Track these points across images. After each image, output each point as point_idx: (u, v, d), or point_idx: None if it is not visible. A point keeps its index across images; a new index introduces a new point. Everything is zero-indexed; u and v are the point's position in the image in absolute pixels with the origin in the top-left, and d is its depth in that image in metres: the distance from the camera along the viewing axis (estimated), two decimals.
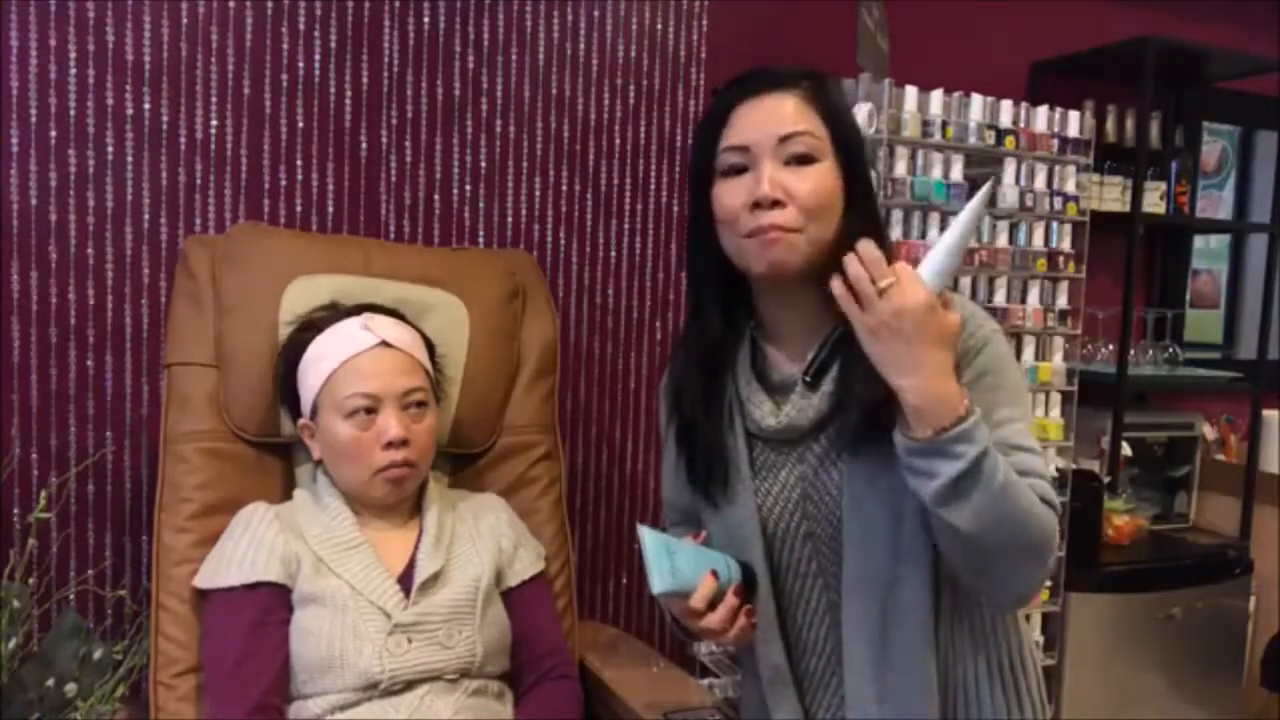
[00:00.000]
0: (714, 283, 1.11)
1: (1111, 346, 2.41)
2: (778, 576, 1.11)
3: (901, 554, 1.03)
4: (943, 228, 1.83)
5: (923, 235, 1.81)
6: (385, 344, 1.34)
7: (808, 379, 1.06)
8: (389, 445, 1.31)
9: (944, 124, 1.84)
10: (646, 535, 1.04)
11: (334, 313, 1.40)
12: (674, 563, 1.03)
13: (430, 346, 1.45)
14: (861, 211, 1.06)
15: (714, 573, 1.04)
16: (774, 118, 1.02)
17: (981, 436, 0.93)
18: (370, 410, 1.31)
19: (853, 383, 1.02)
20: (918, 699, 1.04)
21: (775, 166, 1.01)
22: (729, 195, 1.03)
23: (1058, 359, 2.04)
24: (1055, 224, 2.02)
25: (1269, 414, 2.57)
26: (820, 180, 1.02)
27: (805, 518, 1.09)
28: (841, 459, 1.05)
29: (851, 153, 1.06)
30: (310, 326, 1.40)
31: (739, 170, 1.03)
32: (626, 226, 2.04)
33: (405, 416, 1.33)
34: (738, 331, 1.13)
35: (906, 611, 1.04)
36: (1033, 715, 1.11)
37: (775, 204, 1.00)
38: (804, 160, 1.02)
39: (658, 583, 1.01)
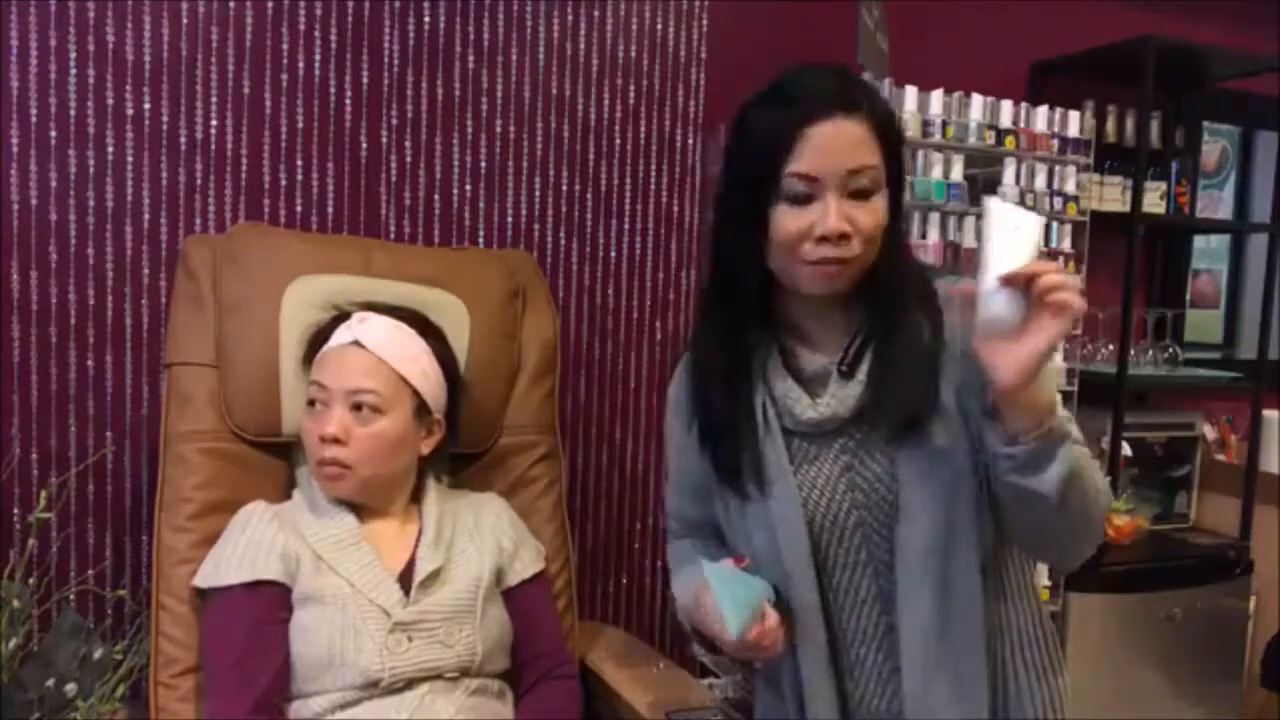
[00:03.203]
0: (752, 291, 1.10)
1: (1111, 346, 2.41)
2: (823, 568, 1.11)
3: (954, 538, 1.06)
4: (943, 228, 1.83)
5: (923, 235, 1.81)
6: (357, 343, 1.33)
7: (844, 369, 1.08)
8: (322, 440, 1.31)
9: (944, 124, 1.85)
10: (713, 576, 1.01)
11: (366, 308, 1.40)
12: (743, 600, 1.01)
13: (446, 360, 1.43)
14: (895, 226, 1.08)
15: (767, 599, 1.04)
16: (843, 150, 1.01)
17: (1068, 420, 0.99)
18: (322, 403, 1.32)
19: (890, 373, 1.06)
20: (974, 673, 1.07)
21: (840, 199, 1.01)
22: (793, 222, 1.01)
23: (1058, 359, 2.04)
24: (1055, 224, 2.02)
25: (1269, 414, 2.57)
26: (879, 212, 1.03)
27: (855, 506, 1.09)
28: (885, 446, 1.07)
29: (900, 178, 1.07)
30: (342, 317, 1.40)
31: (804, 198, 1.01)
32: (626, 226, 2.04)
33: (349, 416, 1.31)
34: (765, 332, 1.13)
35: (961, 593, 1.06)
36: (1061, 695, 1.15)
37: (842, 237, 1.01)
38: (866, 193, 1.02)
39: (736, 627, 0.99)
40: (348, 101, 1.81)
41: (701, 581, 1.06)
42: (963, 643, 1.06)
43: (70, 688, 1.40)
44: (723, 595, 1.00)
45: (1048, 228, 2.02)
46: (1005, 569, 1.12)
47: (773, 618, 1.04)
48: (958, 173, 1.86)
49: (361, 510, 1.35)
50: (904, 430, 1.05)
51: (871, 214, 1.02)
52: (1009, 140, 1.92)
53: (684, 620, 1.16)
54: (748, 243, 1.06)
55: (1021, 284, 0.92)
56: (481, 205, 1.93)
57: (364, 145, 1.83)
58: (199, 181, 1.73)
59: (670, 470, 1.25)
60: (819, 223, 1.00)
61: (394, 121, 1.85)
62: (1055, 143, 1.97)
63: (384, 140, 1.85)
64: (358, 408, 1.31)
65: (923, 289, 1.10)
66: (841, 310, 1.10)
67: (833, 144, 1.00)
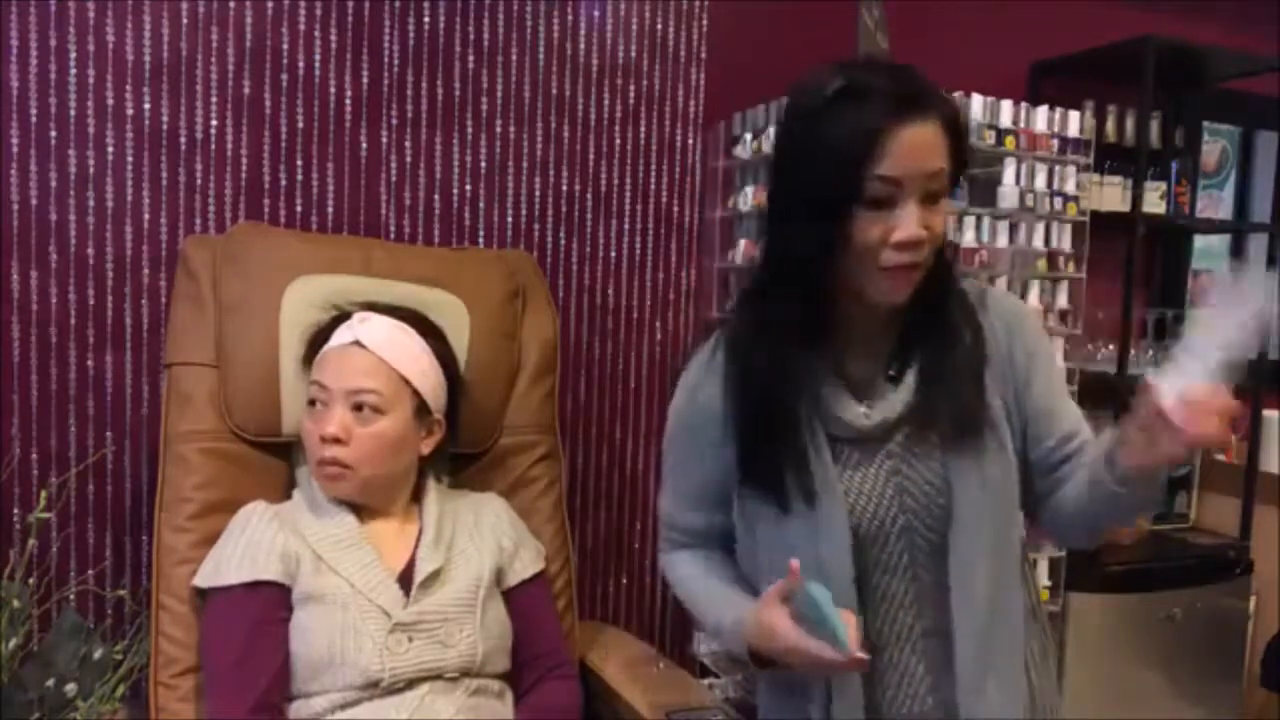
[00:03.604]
0: (812, 295, 1.06)
1: (1111, 346, 2.41)
2: (861, 573, 1.08)
3: (1004, 541, 1.07)
4: None
5: None
6: (358, 343, 1.33)
7: (892, 375, 1.08)
8: (323, 440, 1.30)
9: None
10: (819, 593, 0.96)
11: (366, 308, 1.40)
12: (830, 613, 0.96)
13: (446, 360, 1.43)
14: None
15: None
16: (924, 153, 0.99)
17: None
18: (323, 403, 1.32)
19: (938, 377, 1.06)
20: (1018, 669, 1.09)
21: (919, 204, 0.99)
22: (874, 228, 0.99)
23: (1058, 359, 2.04)
24: (1055, 224, 2.02)
25: (1269, 414, 2.57)
26: (946, 216, 1.03)
27: (902, 511, 1.08)
28: (935, 451, 1.07)
29: (957, 180, 1.06)
30: (342, 317, 1.39)
31: (884, 202, 0.99)
32: (626, 226, 2.04)
33: (350, 417, 1.31)
34: (811, 337, 1.10)
35: (1008, 594, 1.08)
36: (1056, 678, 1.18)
37: (919, 243, 1.00)
38: (936, 197, 1.01)
39: (848, 643, 0.95)
40: (348, 101, 1.81)
41: (764, 605, 1.02)
42: (1010, 641, 1.08)
43: (70, 688, 1.40)
44: (833, 615, 0.95)
45: (1048, 228, 2.02)
46: (1022, 560, 1.13)
47: (853, 619, 1.00)
48: None
49: (362, 510, 1.35)
50: (959, 435, 1.05)
51: (941, 219, 1.02)
52: (1009, 140, 1.92)
53: (725, 640, 1.11)
54: (818, 245, 1.01)
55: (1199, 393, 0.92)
56: (481, 205, 1.93)
57: (364, 145, 1.83)
58: (199, 181, 1.73)
59: (671, 477, 1.22)
60: (900, 228, 0.98)
61: (394, 121, 1.85)
62: (1055, 143, 1.97)
63: (384, 140, 1.85)
64: (358, 408, 1.31)
65: (960, 293, 1.10)
66: (887, 312, 1.08)
67: (915, 147, 0.98)
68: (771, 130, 1.83)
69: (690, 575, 1.21)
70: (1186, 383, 0.92)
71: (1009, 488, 1.08)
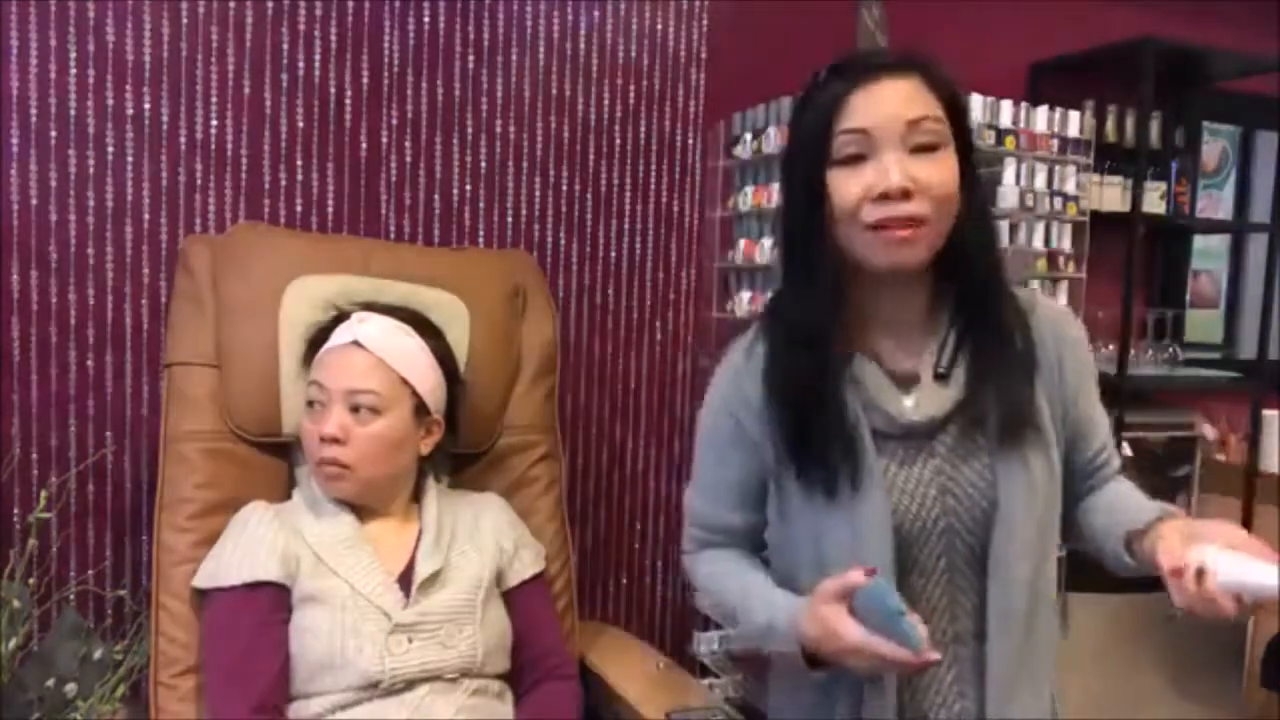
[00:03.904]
0: (827, 276, 1.03)
1: (1112, 346, 2.40)
2: (900, 574, 1.05)
3: (1045, 546, 1.06)
4: None
5: None
6: (356, 343, 1.33)
7: (941, 371, 1.05)
8: (322, 440, 1.30)
9: None
10: (888, 591, 0.94)
11: (366, 308, 1.40)
12: (901, 616, 0.93)
13: (445, 360, 1.43)
14: (975, 202, 1.03)
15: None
16: (899, 101, 0.96)
17: None
18: (321, 403, 1.32)
19: (988, 377, 1.04)
20: (1047, 675, 1.09)
21: (901, 154, 0.96)
22: (849, 184, 0.97)
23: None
24: (1055, 224, 2.02)
25: (1269, 414, 2.57)
26: (949, 169, 0.98)
27: (945, 512, 1.05)
28: (981, 452, 1.06)
29: (968, 141, 1.02)
30: (341, 317, 1.39)
31: (858, 159, 0.97)
32: (626, 226, 2.04)
33: (348, 417, 1.31)
34: (850, 330, 1.07)
35: (1044, 599, 1.07)
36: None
37: (905, 194, 0.96)
38: (929, 149, 0.97)
39: (919, 644, 0.92)
40: (348, 101, 1.81)
41: (820, 603, 0.98)
42: (1044, 648, 1.07)
43: (70, 688, 1.40)
44: (900, 617, 0.93)
45: (1048, 228, 2.02)
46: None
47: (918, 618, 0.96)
48: None
49: (361, 510, 1.35)
50: (1007, 436, 1.03)
51: (941, 169, 0.97)
52: (1009, 140, 1.92)
53: (772, 640, 1.06)
54: (809, 216, 1.00)
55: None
56: (481, 205, 1.93)
57: (364, 145, 1.83)
58: (199, 181, 1.73)
59: (703, 474, 1.17)
60: (878, 180, 0.96)
61: (394, 121, 1.85)
62: (1055, 143, 1.97)
63: (384, 140, 1.85)
64: (356, 408, 1.31)
65: (1011, 296, 1.08)
66: (925, 299, 1.06)
67: (885, 97, 0.96)
68: (772, 130, 1.83)
69: (725, 572, 1.16)
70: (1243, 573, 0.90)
71: (1053, 493, 1.07)
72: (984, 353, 1.04)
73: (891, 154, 0.96)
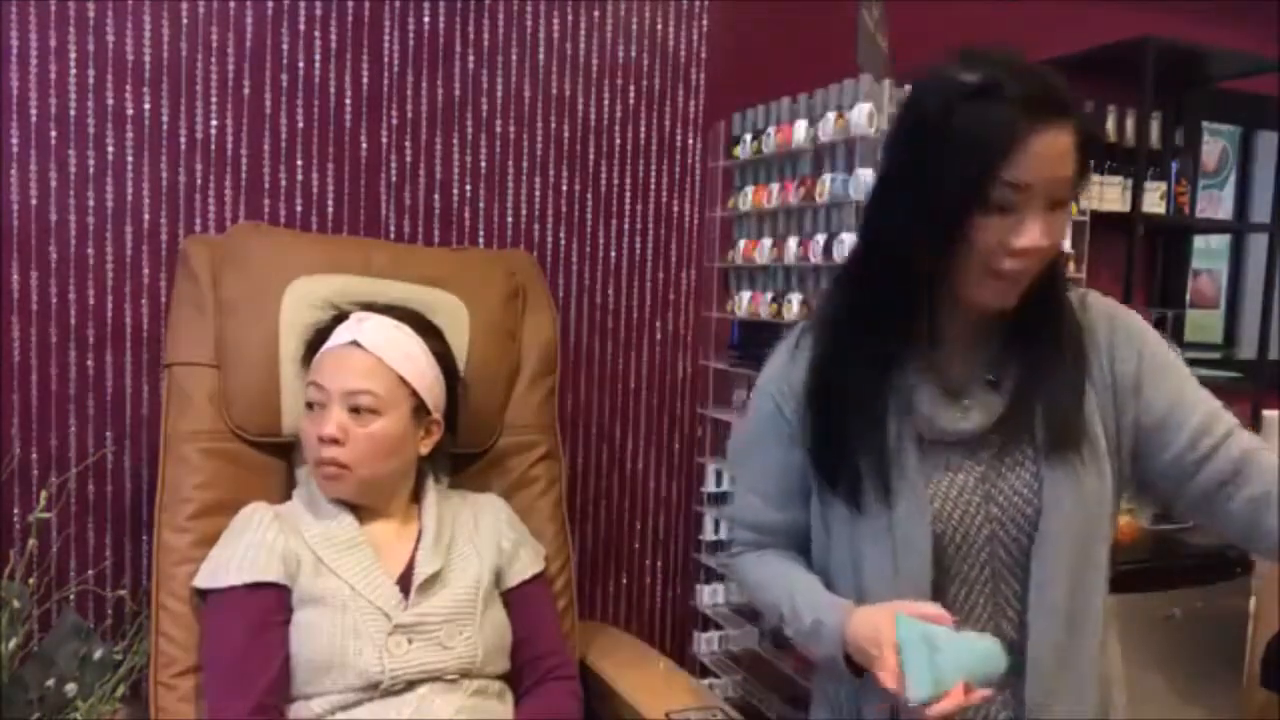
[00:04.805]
0: (915, 293, 1.03)
1: None
2: (939, 583, 1.05)
3: (1088, 556, 1.06)
4: None
5: None
6: (355, 344, 1.33)
7: (992, 379, 1.05)
8: (321, 440, 1.30)
9: None
10: (904, 627, 0.95)
11: (366, 308, 1.40)
12: (935, 662, 0.93)
13: (445, 360, 1.43)
14: None
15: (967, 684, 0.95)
16: (1057, 160, 0.94)
17: None
18: (320, 404, 1.32)
19: (1037, 386, 1.03)
20: (1091, 682, 1.08)
21: (1045, 213, 0.95)
22: (995, 233, 0.95)
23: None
24: None
25: (1269, 414, 2.56)
26: (1065, 224, 1.00)
27: (989, 520, 1.05)
28: (1028, 461, 1.05)
29: (1081, 188, 1.02)
30: (341, 317, 1.40)
31: (1010, 207, 0.94)
32: (626, 226, 2.04)
33: (347, 417, 1.31)
34: (905, 335, 1.06)
35: (1088, 612, 1.06)
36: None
37: (1039, 252, 0.96)
38: (1060, 205, 0.97)
39: (914, 690, 0.92)
40: (348, 101, 1.81)
41: (853, 619, 1.00)
42: (1085, 656, 1.06)
43: (70, 688, 1.40)
44: (908, 654, 0.93)
45: None
46: (1107, 572, 1.11)
47: (957, 695, 0.93)
48: None
49: (361, 511, 1.35)
50: (1056, 446, 1.03)
51: (1062, 225, 0.98)
52: None
53: (819, 641, 1.05)
54: (931, 245, 0.97)
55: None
56: (481, 205, 1.93)
57: (364, 145, 1.83)
58: (199, 181, 1.73)
59: (750, 474, 1.17)
60: (1024, 236, 0.95)
61: (394, 121, 1.85)
62: None
63: (384, 140, 1.85)
64: (355, 409, 1.31)
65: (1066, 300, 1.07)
66: (985, 317, 1.05)
67: (1049, 153, 0.94)
68: (772, 130, 1.83)
69: (772, 575, 1.14)
70: None
71: (1101, 502, 1.06)
72: (1035, 361, 1.04)
73: (1039, 213, 0.95)
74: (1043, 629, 1.04)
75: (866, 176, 1.60)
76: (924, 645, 0.94)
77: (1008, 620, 1.07)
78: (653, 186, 2.05)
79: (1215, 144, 2.81)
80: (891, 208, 1.02)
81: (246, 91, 1.75)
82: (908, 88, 1.82)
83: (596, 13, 1.97)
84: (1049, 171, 0.94)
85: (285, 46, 1.77)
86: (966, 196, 0.94)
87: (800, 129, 1.74)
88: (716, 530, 2.00)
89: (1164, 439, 1.06)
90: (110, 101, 1.67)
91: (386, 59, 1.84)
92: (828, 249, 1.64)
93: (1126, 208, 2.32)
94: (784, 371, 1.13)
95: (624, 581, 2.10)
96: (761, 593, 1.17)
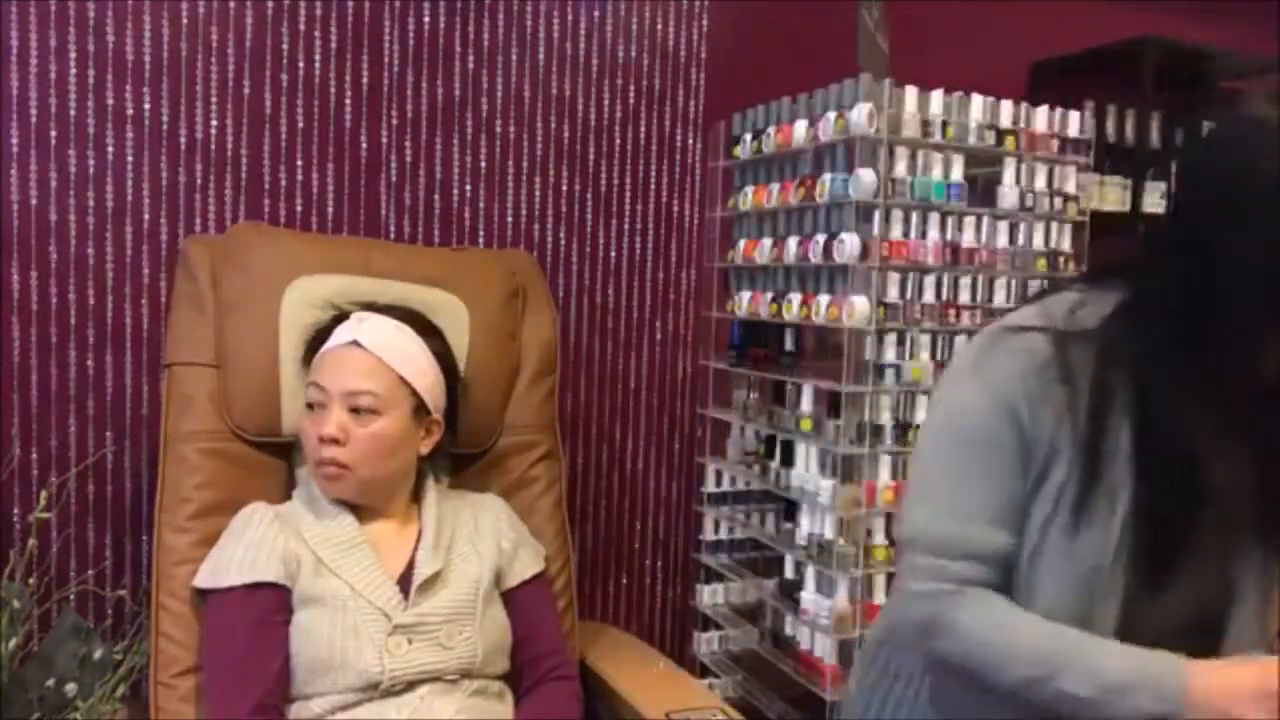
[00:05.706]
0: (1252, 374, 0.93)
1: None
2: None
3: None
4: (943, 228, 1.83)
5: (923, 235, 1.81)
6: (355, 344, 1.33)
7: None
8: (321, 441, 1.31)
9: (944, 124, 1.84)
10: None
11: (366, 308, 1.40)
12: None
13: (445, 360, 1.43)
14: None
15: None
16: None
17: None
18: (320, 404, 1.32)
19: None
20: None
21: None
22: None
23: None
24: (1055, 224, 2.01)
25: None
26: None
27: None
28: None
29: None
30: (341, 317, 1.39)
31: None
32: (626, 226, 2.04)
33: (347, 417, 1.31)
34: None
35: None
36: None
37: None
38: None
39: None
40: (348, 101, 1.82)
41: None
42: None
43: (70, 688, 1.40)
44: None
45: (1047, 228, 2.01)
46: None
47: None
48: (957, 173, 1.86)
49: (361, 511, 1.35)
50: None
51: None
52: (1009, 140, 1.91)
53: (1127, 701, 0.87)
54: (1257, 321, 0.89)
55: None
56: (481, 205, 1.93)
57: (364, 145, 1.83)
58: (199, 181, 1.73)
59: (959, 488, 0.96)
60: None
61: (394, 121, 1.85)
62: (1055, 143, 1.97)
63: (384, 140, 1.85)
64: (356, 409, 1.31)
65: None
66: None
67: None
68: (772, 130, 1.83)
69: (1024, 620, 0.94)
70: None
71: None
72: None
73: None
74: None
75: (866, 176, 1.60)
76: None
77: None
78: (653, 186, 2.05)
79: None
80: (1232, 284, 0.88)
81: (246, 91, 1.75)
82: (909, 88, 1.82)
83: (596, 13, 1.97)
84: None
85: (285, 46, 1.77)
86: None
87: (800, 129, 1.74)
88: (716, 530, 2.00)
89: None
90: (110, 101, 1.67)
91: (386, 59, 1.84)
92: (828, 249, 1.64)
93: (1126, 208, 2.32)
94: (1020, 404, 0.94)
95: (624, 581, 2.10)
96: (1002, 642, 0.94)
